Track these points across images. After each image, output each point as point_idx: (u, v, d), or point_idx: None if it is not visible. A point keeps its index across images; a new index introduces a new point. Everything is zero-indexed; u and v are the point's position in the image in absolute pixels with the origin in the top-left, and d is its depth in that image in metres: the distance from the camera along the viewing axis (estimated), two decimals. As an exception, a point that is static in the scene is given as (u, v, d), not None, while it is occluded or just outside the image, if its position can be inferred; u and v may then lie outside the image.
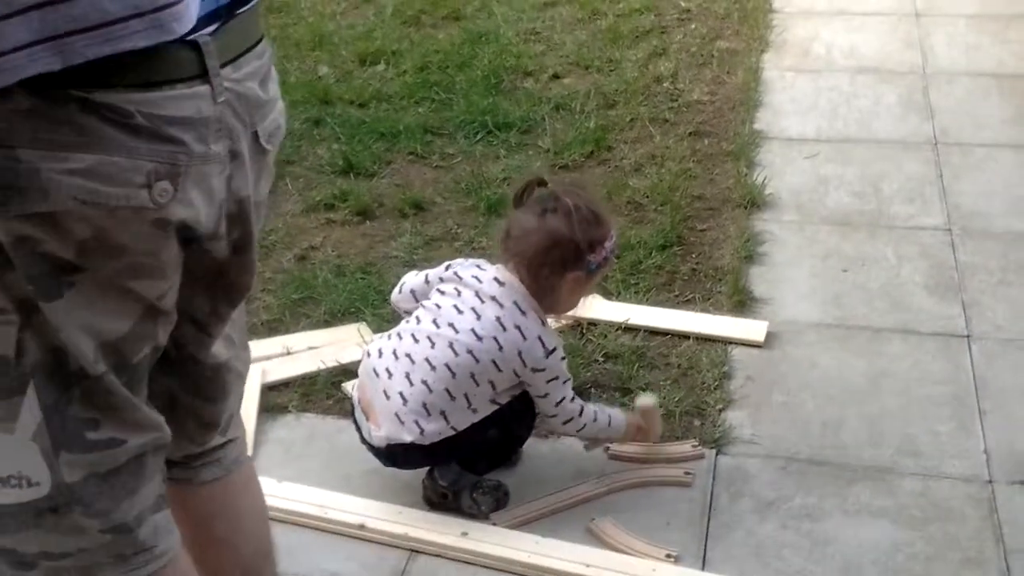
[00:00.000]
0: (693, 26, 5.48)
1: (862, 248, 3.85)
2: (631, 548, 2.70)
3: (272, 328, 3.52)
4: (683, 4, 5.73)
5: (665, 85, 4.90)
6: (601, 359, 3.30)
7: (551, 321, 2.88)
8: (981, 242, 3.84)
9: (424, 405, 2.67)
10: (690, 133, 4.52)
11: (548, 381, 2.71)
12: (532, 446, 3.03)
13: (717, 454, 2.99)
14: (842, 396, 3.20)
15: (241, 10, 1.57)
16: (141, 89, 1.41)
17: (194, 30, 1.45)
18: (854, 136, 4.56)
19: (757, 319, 3.47)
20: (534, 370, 2.68)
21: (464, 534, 2.74)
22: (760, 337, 3.38)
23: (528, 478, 2.94)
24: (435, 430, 2.67)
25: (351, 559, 2.73)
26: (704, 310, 3.51)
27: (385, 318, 3.51)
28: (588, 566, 2.64)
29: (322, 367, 3.32)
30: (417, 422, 2.67)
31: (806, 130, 4.62)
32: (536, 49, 5.29)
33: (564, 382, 2.74)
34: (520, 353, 2.66)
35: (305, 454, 3.06)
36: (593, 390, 3.18)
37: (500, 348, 2.66)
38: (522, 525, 2.79)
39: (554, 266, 2.68)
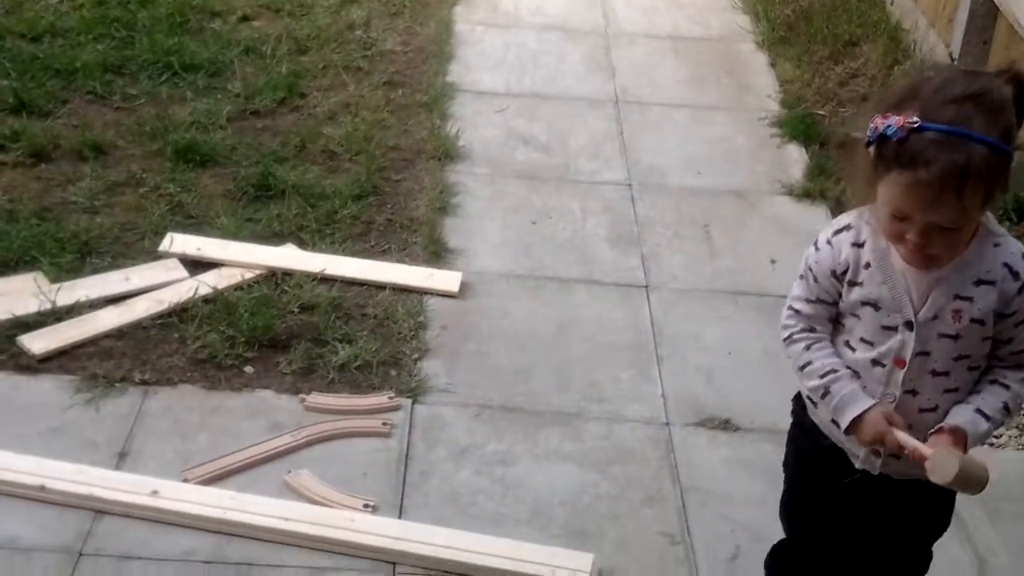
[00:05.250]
0: (385, -26, 5.45)
1: (550, 201, 3.98)
2: (328, 500, 2.70)
3: (-65, 278, 3.25)
4: (375, -48, 5.67)
5: (358, 33, 4.85)
6: (297, 310, 3.25)
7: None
8: (658, 197, 4.05)
9: None
10: (384, 83, 4.51)
11: None
12: (224, 400, 2.96)
13: (414, 403, 3.02)
14: (532, 344, 3.31)
15: None
16: None
17: None
18: (541, 92, 4.69)
19: (452, 270, 3.52)
20: None
21: (154, 492, 2.65)
22: (454, 287, 3.44)
23: (221, 431, 2.87)
24: None
25: (30, 522, 2.58)
26: (400, 260, 3.53)
27: (64, 267, 3.32)
28: (286, 520, 2.61)
29: (-6, 320, 3.10)
30: None
31: (496, 84, 4.70)
32: (224, -12, 5.10)
33: (799, 277, 2.09)
34: None
35: (-24, 413, 2.86)
36: (291, 342, 3.14)
37: None
38: (216, 480, 2.73)
39: None
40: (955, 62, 4.29)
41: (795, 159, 4.28)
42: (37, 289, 3.19)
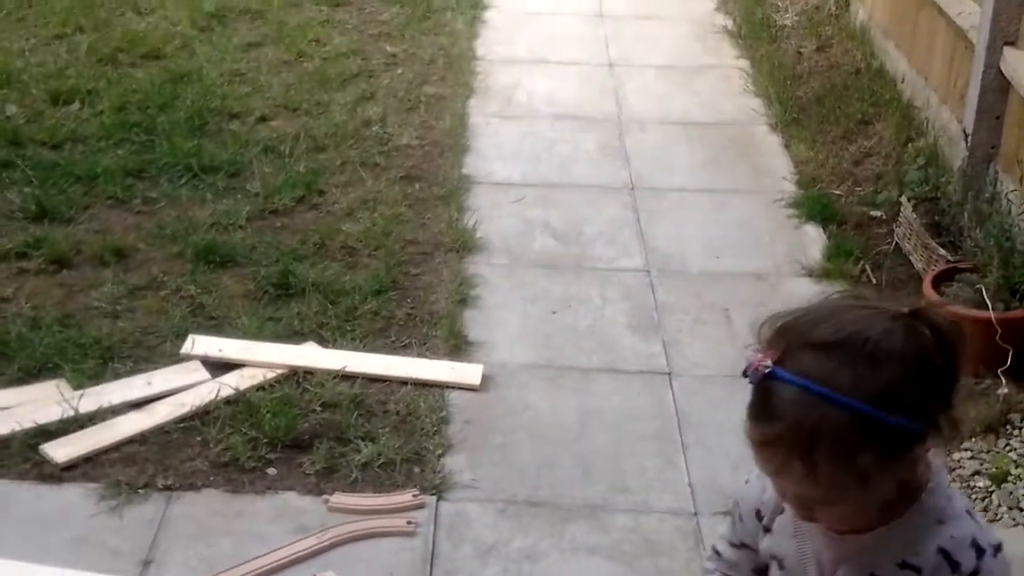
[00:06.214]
0: (400, 71, 5.53)
1: (569, 290, 3.98)
2: (355, 602, 2.66)
3: (-41, 388, 3.26)
4: (389, 49, 5.77)
5: (374, 129, 4.91)
6: (319, 409, 3.25)
7: None
8: (677, 282, 4.05)
9: None
10: (401, 177, 4.55)
11: None
12: (248, 503, 2.94)
13: (438, 500, 3.00)
14: (555, 436, 3.28)
15: None
16: None
17: None
18: (557, 181, 4.72)
19: (472, 362, 3.52)
20: None
21: (179, 600, 2.63)
22: (476, 381, 3.43)
23: (245, 535, 2.85)
24: None
25: (55, 635, 2.56)
26: (421, 355, 3.53)
27: (86, 373, 3.33)
28: (311, 624, 2.58)
29: (17, 428, 3.10)
30: None
31: (512, 175, 4.74)
32: (241, 90, 5.19)
33: (727, 514, 1.85)
34: None
35: (0, 523, 2.84)
36: (314, 441, 3.13)
37: None
38: (241, 586, 2.70)
39: None
40: (968, 138, 4.30)
41: (813, 239, 4.28)
42: (60, 396, 3.20)
